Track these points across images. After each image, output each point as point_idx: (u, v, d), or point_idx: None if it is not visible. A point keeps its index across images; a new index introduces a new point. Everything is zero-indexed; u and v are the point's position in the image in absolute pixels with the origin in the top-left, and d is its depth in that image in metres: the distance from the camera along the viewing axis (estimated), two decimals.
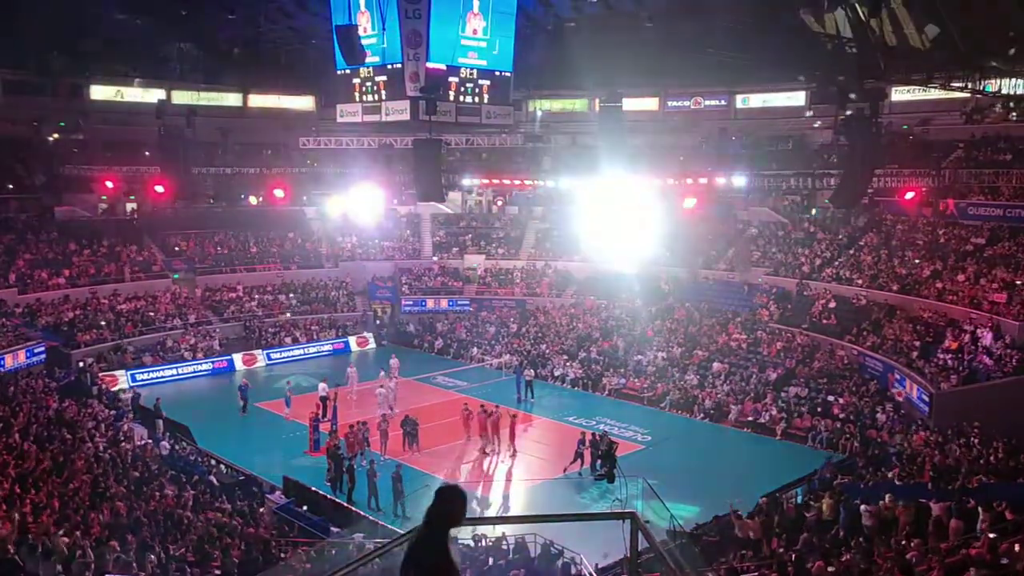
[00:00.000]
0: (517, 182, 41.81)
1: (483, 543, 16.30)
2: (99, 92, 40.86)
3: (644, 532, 5.59)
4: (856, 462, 21.67)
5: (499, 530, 16.25)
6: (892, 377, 26.98)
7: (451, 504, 4.31)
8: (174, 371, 33.30)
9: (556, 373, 33.48)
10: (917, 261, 31.94)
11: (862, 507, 15.54)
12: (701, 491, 21.32)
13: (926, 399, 24.25)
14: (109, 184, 37.94)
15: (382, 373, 30.07)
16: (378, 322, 40.86)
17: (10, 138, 38.12)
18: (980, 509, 13.46)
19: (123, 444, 20.69)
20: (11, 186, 37.64)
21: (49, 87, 38.90)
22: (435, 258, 44.06)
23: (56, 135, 39.38)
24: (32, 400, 22.41)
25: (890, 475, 18.46)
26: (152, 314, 35.57)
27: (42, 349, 29.78)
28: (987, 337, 25.74)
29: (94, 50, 37.31)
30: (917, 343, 27.45)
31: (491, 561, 15.75)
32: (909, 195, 32.42)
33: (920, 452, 20.25)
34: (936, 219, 33.11)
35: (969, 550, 11.11)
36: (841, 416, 26.12)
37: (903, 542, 13.29)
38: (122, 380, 31.04)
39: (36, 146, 38.78)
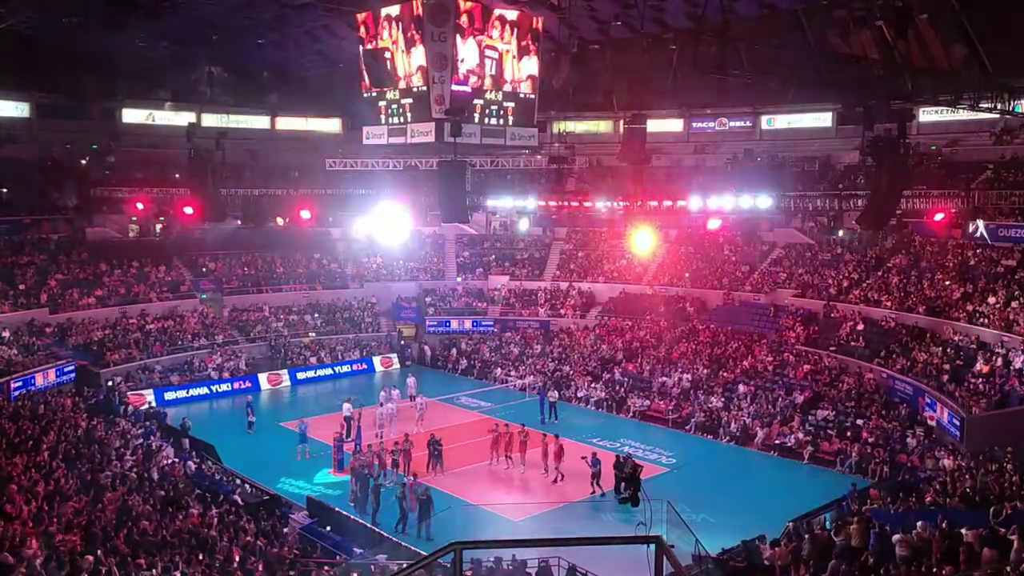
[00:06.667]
0: (542, 203, 41.89)
1: (505, 566, 16.18)
2: (131, 115, 41.75)
3: (669, 556, 5.54)
4: (891, 485, 21.26)
5: (523, 553, 16.12)
6: (922, 401, 26.56)
7: None
8: (200, 390, 33.57)
9: (580, 394, 33.36)
10: (947, 283, 31.54)
11: (894, 536, 15.23)
12: (727, 515, 21.06)
13: (957, 423, 23.83)
14: (140, 205, 38.55)
15: (396, 392, 30.41)
16: (403, 343, 41.00)
17: (44, 160, 38.97)
18: (1015, 538, 13.14)
19: (150, 463, 20.84)
20: (44, 207, 38.37)
21: (82, 110, 39.73)
22: (459, 279, 44.22)
23: (88, 157, 40.17)
24: (62, 419, 22.67)
25: (926, 500, 18.12)
26: (179, 334, 35.96)
27: (72, 368, 30.19)
28: (1020, 360, 25.30)
29: (126, 74, 38.08)
30: (947, 366, 27.04)
31: None
32: (938, 216, 32.05)
33: (953, 476, 19.85)
34: (966, 241, 32.70)
35: None
36: (870, 440, 25.73)
37: (934, 569, 13.02)
38: (149, 399, 31.35)
39: (69, 168, 39.54)
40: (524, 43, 24.71)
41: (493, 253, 45.57)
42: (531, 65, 25.10)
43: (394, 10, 23.39)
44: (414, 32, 23.12)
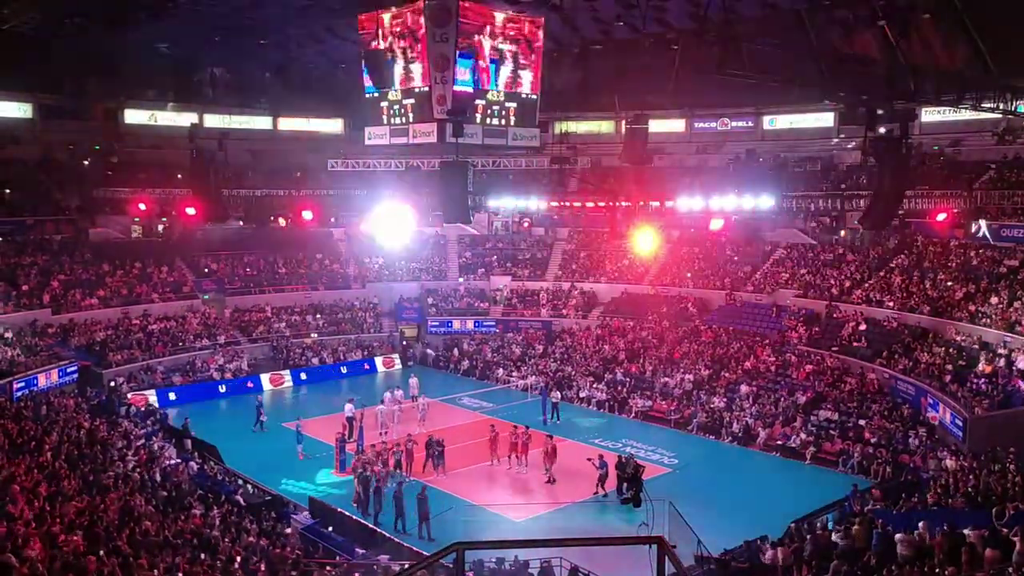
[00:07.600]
0: (543, 203, 41.94)
1: (508, 567, 16.19)
2: (133, 116, 41.77)
3: (671, 557, 5.53)
4: (893, 485, 21.24)
5: (525, 554, 16.13)
6: (925, 401, 26.54)
7: None
8: (203, 391, 33.56)
9: (582, 395, 33.34)
10: (949, 283, 31.49)
11: (897, 537, 15.23)
12: (729, 516, 21.04)
13: (960, 424, 23.80)
14: (142, 206, 38.62)
15: (400, 393, 30.50)
16: (405, 343, 41.02)
17: (46, 161, 39.02)
18: (1017, 539, 13.12)
19: (152, 464, 20.86)
20: (47, 208, 38.42)
21: (85, 111, 39.78)
22: (461, 279, 44.23)
23: (91, 158, 40.21)
24: (64, 419, 22.69)
25: (928, 500, 18.11)
26: (181, 334, 35.99)
27: (75, 369, 30.22)
28: (1022, 361, 25.25)
29: (129, 75, 38.11)
30: (950, 367, 27.00)
31: None
32: (940, 216, 32.04)
33: (955, 476, 19.84)
34: (968, 241, 32.66)
35: None
36: (873, 440, 25.70)
37: (936, 570, 13.01)
38: (152, 399, 31.37)
39: (71, 169, 39.62)
40: (526, 44, 24.72)
41: (495, 253, 45.57)
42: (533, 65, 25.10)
43: (396, 11, 23.43)
44: (415, 33, 23.15)
